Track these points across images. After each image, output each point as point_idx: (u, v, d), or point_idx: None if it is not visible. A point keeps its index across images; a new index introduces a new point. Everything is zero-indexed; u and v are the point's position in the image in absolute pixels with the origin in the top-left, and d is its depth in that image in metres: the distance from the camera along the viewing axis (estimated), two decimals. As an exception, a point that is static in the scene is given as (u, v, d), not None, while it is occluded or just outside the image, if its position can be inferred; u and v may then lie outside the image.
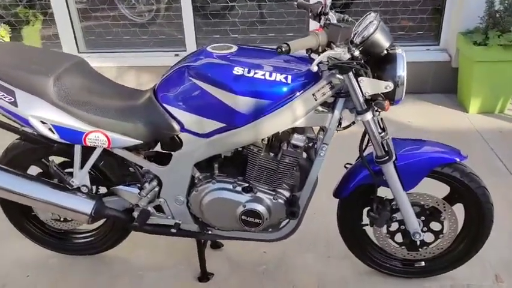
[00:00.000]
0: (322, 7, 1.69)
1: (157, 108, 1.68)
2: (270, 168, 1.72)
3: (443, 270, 1.98)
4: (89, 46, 4.03)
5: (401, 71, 1.56)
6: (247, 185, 1.76)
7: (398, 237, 1.91)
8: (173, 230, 1.86)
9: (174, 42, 3.92)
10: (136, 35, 4.03)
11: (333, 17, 1.68)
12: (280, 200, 1.76)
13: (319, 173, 1.74)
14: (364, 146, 1.73)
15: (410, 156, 1.72)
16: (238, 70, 1.57)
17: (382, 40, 1.52)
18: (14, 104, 1.67)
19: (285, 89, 1.57)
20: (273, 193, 1.76)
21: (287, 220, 1.84)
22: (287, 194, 1.78)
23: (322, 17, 1.68)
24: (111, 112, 1.69)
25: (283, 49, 1.31)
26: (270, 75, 1.57)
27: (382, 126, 1.76)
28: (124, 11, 4.23)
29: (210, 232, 1.89)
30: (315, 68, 1.41)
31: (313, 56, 1.57)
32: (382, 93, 1.58)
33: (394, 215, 1.83)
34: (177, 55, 3.84)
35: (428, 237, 1.88)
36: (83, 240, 2.13)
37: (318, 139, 1.71)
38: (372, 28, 1.52)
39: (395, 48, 1.60)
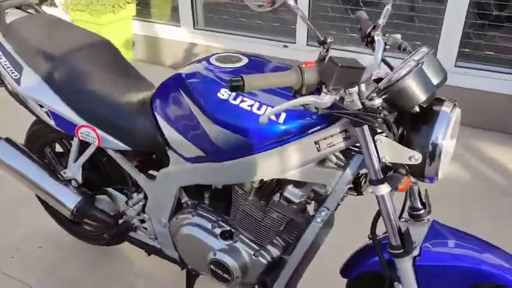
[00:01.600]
0: (375, 26, 1.25)
1: (149, 117, 1.45)
2: (255, 218, 1.37)
3: None
4: (206, 23, 3.95)
5: (440, 139, 1.06)
6: (228, 229, 1.44)
7: None
8: (151, 252, 1.65)
9: (285, 32, 3.61)
10: (253, 18, 3.82)
11: (379, 42, 1.22)
12: (261, 259, 1.40)
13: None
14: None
15: (442, 257, 1.20)
16: (224, 93, 1.25)
17: (415, 90, 1.04)
18: (18, 81, 1.60)
19: (273, 129, 1.20)
20: (256, 248, 1.41)
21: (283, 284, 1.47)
22: (275, 253, 1.42)
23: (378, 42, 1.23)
24: (106, 109, 1.52)
25: (233, 84, 0.94)
26: (259, 108, 1.20)
27: (422, 202, 1.28)
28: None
29: (190, 267, 1.63)
30: (263, 120, 1.01)
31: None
32: (407, 165, 1.11)
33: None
34: (285, 46, 3.54)
35: None
36: (93, 230, 2.05)
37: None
38: (405, 70, 1.04)
39: (442, 105, 1.10)
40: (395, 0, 3.21)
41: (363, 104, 1.06)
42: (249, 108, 1.21)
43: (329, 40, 1.06)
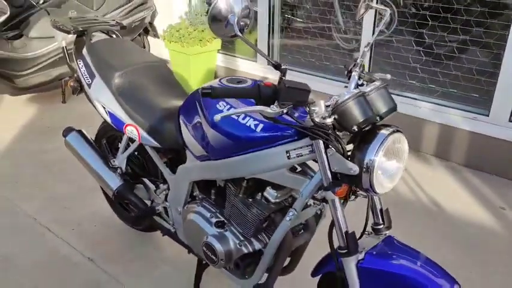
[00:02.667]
0: (354, 65, 1.52)
1: (175, 122, 1.82)
2: (241, 212, 1.65)
3: None
4: (280, 61, 4.33)
5: (373, 155, 1.28)
6: (222, 220, 1.74)
7: None
8: (167, 235, 1.99)
9: (333, 70, 3.87)
10: (322, 60, 4.14)
11: (354, 77, 1.48)
12: (243, 248, 1.67)
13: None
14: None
15: (382, 263, 1.38)
16: (220, 105, 1.57)
17: (355, 112, 1.28)
18: (89, 85, 2.08)
19: (252, 136, 1.49)
20: (241, 239, 1.68)
21: (259, 275, 1.71)
22: (256, 246, 1.67)
23: (352, 76, 1.51)
24: (147, 112, 1.92)
25: (204, 91, 1.26)
26: (244, 119, 1.51)
27: (383, 219, 1.48)
28: (338, 40, 4.38)
29: (195, 252, 1.94)
30: (217, 118, 1.29)
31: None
32: (350, 175, 1.33)
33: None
34: (346, 87, 3.78)
35: None
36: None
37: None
38: (347, 95, 1.29)
39: (383, 129, 1.31)
40: (455, 53, 3.33)
41: (313, 121, 1.31)
42: (235, 117, 1.52)
43: (283, 66, 1.33)
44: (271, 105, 1.28)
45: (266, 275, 1.70)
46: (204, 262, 2.02)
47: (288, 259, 1.79)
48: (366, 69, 1.53)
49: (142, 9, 4.45)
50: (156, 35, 4.84)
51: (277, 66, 1.32)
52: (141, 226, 2.42)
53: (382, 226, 1.50)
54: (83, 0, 4.11)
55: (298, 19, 4.56)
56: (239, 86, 1.28)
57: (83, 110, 2.32)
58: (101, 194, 2.58)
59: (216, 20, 1.29)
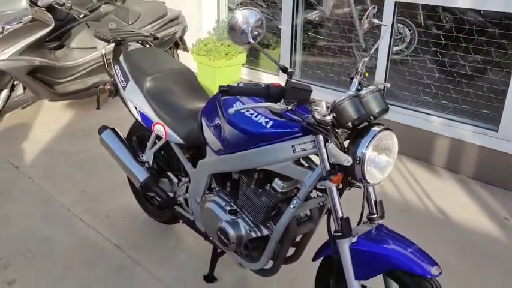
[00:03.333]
0: (356, 72, 1.72)
1: (198, 120, 2.06)
2: (252, 201, 1.86)
3: None
4: (302, 75, 4.58)
5: (364, 149, 1.48)
6: (235, 208, 1.95)
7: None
8: (186, 223, 2.21)
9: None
10: (341, 76, 4.34)
11: (354, 83, 1.69)
12: (253, 233, 1.87)
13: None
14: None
15: (372, 245, 1.56)
16: (237, 104, 1.80)
17: (350, 111, 1.49)
18: (124, 88, 2.35)
19: (263, 132, 1.71)
20: (251, 225, 1.88)
21: (265, 259, 1.91)
22: (264, 232, 1.87)
23: (353, 82, 1.71)
24: (173, 113, 2.17)
25: (221, 89, 1.49)
26: (256, 116, 1.73)
27: (377, 210, 1.67)
28: (359, 58, 4.60)
29: (211, 238, 2.15)
30: (231, 111, 1.51)
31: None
32: (345, 166, 1.53)
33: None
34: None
35: None
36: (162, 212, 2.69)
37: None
38: (343, 97, 1.50)
39: (374, 126, 1.51)
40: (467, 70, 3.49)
41: (314, 118, 1.53)
42: (249, 116, 1.74)
43: (290, 70, 1.55)
44: (278, 103, 1.50)
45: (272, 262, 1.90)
46: (219, 251, 2.24)
47: (293, 249, 1.98)
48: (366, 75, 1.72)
49: (174, 24, 4.77)
50: (185, 49, 5.15)
51: (284, 70, 1.54)
52: (163, 218, 2.65)
53: (375, 216, 1.68)
54: (120, 15, 4.45)
55: (320, 37, 4.81)
56: (252, 86, 1.50)
57: (115, 116, 2.58)
58: (129, 190, 2.83)
59: (233, 29, 1.53)
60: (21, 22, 3.78)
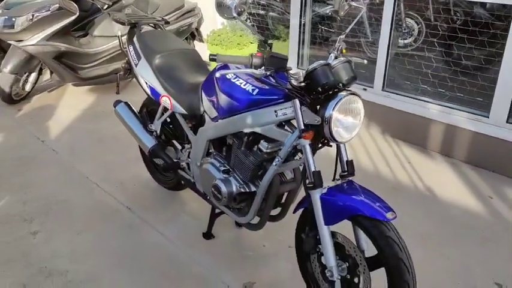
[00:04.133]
0: (333, 48, 1.96)
1: (198, 92, 2.33)
2: (242, 161, 2.12)
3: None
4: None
5: (331, 111, 1.72)
6: (228, 168, 2.21)
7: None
8: (188, 185, 2.50)
9: (365, 78, 4.26)
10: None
11: (331, 57, 1.92)
12: (242, 189, 2.13)
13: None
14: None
15: (339, 195, 1.80)
16: (230, 75, 2.07)
17: (320, 77, 1.73)
18: (136, 65, 2.64)
19: (250, 98, 1.97)
20: (241, 182, 2.15)
21: (253, 213, 2.16)
22: (252, 188, 2.14)
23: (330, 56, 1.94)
24: (178, 86, 2.45)
25: (210, 57, 1.76)
26: (244, 85, 2.00)
27: (348, 167, 1.90)
28: (366, 50, 4.82)
29: (208, 198, 2.42)
30: (218, 76, 1.78)
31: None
32: (316, 126, 1.78)
33: (320, 246, 1.91)
34: (365, 89, 4.18)
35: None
36: (166, 179, 2.99)
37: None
38: (315, 64, 1.75)
39: (341, 91, 1.76)
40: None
41: (291, 84, 1.78)
42: (239, 84, 2.01)
43: (269, 42, 1.79)
44: (259, 69, 1.76)
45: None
46: (216, 211, 2.51)
47: (279, 209, 2.24)
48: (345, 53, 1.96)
49: (190, 16, 5.07)
50: (201, 40, 5.45)
51: (265, 41, 1.79)
52: (170, 184, 2.94)
53: (346, 173, 1.92)
54: (140, 6, 4.77)
55: (329, 30, 5.02)
56: (238, 56, 1.76)
57: (133, 100, 2.86)
58: (141, 163, 3.13)
59: (220, 6, 1.79)
60: (49, 10, 4.13)
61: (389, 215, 1.69)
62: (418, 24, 5.33)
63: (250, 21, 5.26)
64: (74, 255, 2.43)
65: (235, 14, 1.79)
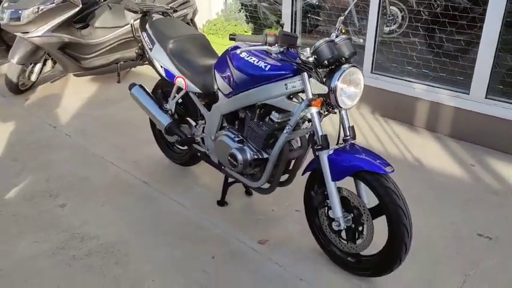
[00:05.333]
0: (334, 28, 2.24)
1: (211, 71, 2.59)
2: (255, 131, 2.39)
3: (369, 274, 2.19)
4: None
5: (336, 81, 2.00)
6: (241, 138, 2.48)
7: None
8: (202, 157, 2.77)
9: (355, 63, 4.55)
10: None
11: (332, 35, 2.20)
12: (255, 156, 2.41)
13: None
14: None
15: (344, 155, 2.09)
16: (243, 54, 2.33)
17: (325, 52, 2.00)
18: (151, 49, 2.89)
19: (263, 73, 2.24)
20: (255, 150, 2.42)
21: (265, 178, 2.44)
22: (264, 155, 2.41)
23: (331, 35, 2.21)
24: (192, 67, 2.71)
25: (230, 36, 2.02)
26: (257, 62, 2.26)
27: (350, 132, 2.18)
28: (354, 37, 5.10)
29: (223, 167, 2.69)
30: (239, 51, 2.05)
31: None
32: (324, 95, 2.06)
33: (327, 201, 2.20)
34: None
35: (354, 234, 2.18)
36: (179, 156, 3.25)
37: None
38: (321, 41, 2.02)
39: (344, 64, 2.04)
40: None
41: (301, 59, 2.05)
42: (252, 62, 2.27)
43: (281, 22, 2.06)
44: (273, 46, 2.03)
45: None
46: (229, 180, 2.78)
47: (287, 176, 2.51)
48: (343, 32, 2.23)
49: (185, 7, 5.28)
50: (196, 30, 5.67)
51: (277, 22, 2.06)
52: (182, 160, 3.20)
53: (349, 137, 2.20)
54: (138, -3, 4.98)
55: (319, 19, 5.30)
56: (254, 35, 2.03)
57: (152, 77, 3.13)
58: (152, 145, 3.39)
59: None
60: (53, 3, 4.31)
61: (388, 169, 1.99)
62: (401, 12, 5.64)
63: (244, 11, 5.51)
64: (101, 223, 2.68)
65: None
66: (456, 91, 3.88)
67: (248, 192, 2.94)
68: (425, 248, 2.50)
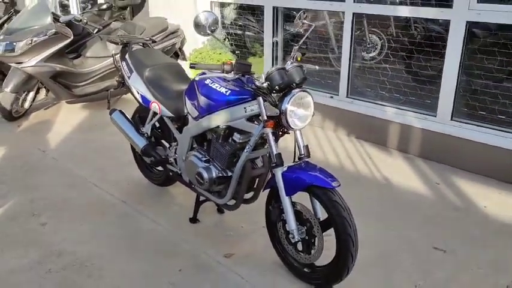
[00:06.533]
0: (290, 57, 2.46)
1: (182, 97, 2.80)
2: (219, 151, 2.59)
3: (322, 283, 2.34)
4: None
5: (286, 104, 2.21)
6: (208, 158, 2.68)
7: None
8: (175, 177, 2.95)
9: (331, 86, 4.78)
10: (308, 74, 5.07)
11: (287, 63, 2.41)
12: (220, 174, 2.60)
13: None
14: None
15: (297, 171, 2.28)
16: (208, 81, 2.55)
17: (276, 79, 2.22)
18: (129, 77, 3.11)
19: (224, 98, 2.45)
20: (220, 169, 2.61)
21: (229, 195, 2.61)
22: (229, 173, 2.59)
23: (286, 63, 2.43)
24: (165, 93, 2.92)
25: (191, 65, 2.24)
26: (219, 88, 2.48)
27: (304, 151, 2.37)
28: (333, 62, 5.35)
29: (193, 186, 2.87)
30: (196, 78, 2.26)
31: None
32: (276, 117, 2.26)
33: (283, 215, 2.37)
34: (331, 97, 4.70)
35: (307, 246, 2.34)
36: (156, 176, 3.44)
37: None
38: (273, 69, 2.24)
39: (294, 89, 2.24)
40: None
41: (255, 85, 2.26)
42: (215, 88, 2.49)
43: (237, 52, 2.28)
44: (229, 74, 2.25)
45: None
46: (201, 199, 2.96)
47: (252, 193, 2.69)
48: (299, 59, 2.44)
49: (174, 37, 5.56)
50: (184, 58, 5.94)
51: (233, 52, 2.28)
52: (160, 181, 3.39)
53: (303, 156, 2.39)
54: (128, 29, 5.25)
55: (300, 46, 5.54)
56: (212, 64, 2.24)
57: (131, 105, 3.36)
58: (133, 167, 3.58)
59: (197, 25, 2.28)
60: (46, 35, 4.59)
61: (334, 184, 2.17)
62: (380, 40, 5.90)
63: (229, 40, 5.79)
64: (79, 240, 2.84)
65: (208, 31, 2.28)
66: (424, 113, 4.08)
67: (220, 210, 3.11)
68: (381, 259, 2.65)
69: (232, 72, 2.25)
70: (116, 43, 3.27)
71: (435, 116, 3.99)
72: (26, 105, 4.95)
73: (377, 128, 4.31)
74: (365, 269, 2.51)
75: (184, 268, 2.57)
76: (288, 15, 5.29)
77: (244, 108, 2.39)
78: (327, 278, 2.32)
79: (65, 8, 8.13)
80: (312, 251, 2.34)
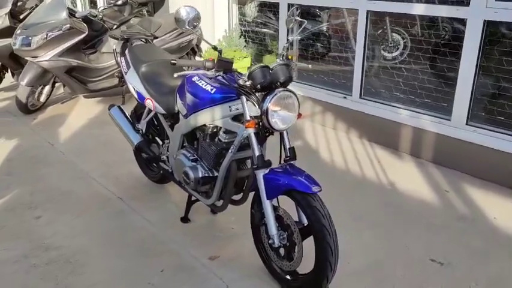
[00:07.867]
0: (280, 54, 2.37)
1: (174, 94, 2.76)
2: (206, 150, 2.52)
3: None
4: (299, 78, 5.20)
5: (268, 103, 2.11)
6: (195, 157, 2.62)
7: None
8: (166, 175, 2.91)
9: (345, 87, 4.64)
10: (322, 75, 4.93)
11: (277, 61, 2.32)
12: (206, 175, 2.53)
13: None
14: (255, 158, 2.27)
15: (278, 174, 2.18)
16: (195, 79, 2.49)
17: (258, 77, 2.13)
18: (126, 73, 3.09)
19: (209, 96, 2.38)
20: (206, 169, 2.54)
21: (215, 195, 2.55)
22: (215, 173, 2.53)
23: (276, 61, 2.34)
24: (159, 90, 2.88)
25: (171, 62, 2.18)
26: (205, 86, 2.41)
27: (290, 153, 2.28)
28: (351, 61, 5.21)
29: (183, 185, 2.82)
30: (175, 76, 2.19)
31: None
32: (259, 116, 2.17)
33: (265, 219, 2.28)
34: (345, 97, 4.55)
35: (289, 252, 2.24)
36: (154, 174, 3.41)
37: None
38: (256, 67, 2.15)
39: (277, 88, 2.15)
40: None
41: (238, 83, 2.18)
42: (201, 85, 2.42)
43: (219, 49, 2.20)
44: (210, 71, 2.18)
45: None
46: (192, 199, 2.91)
47: (241, 195, 2.60)
48: (294, 59, 2.35)
49: (190, 33, 5.53)
50: (201, 55, 5.91)
51: (215, 48, 2.21)
52: (157, 178, 3.36)
53: (289, 158, 2.29)
54: (144, 26, 5.27)
55: (319, 45, 5.42)
56: (194, 60, 2.18)
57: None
58: (136, 162, 3.56)
59: (178, 20, 2.22)
60: (61, 30, 4.66)
61: (314, 189, 2.06)
62: (403, 39, 5.68)
63: (245, 38, 5.72)
64: (69, 234, 2.85)
65: (188, 27, 2.21)
66: (438, 117, 3.88)
67: (213, 211, 3.05)
68: (371, 269, 2.52)
69: (213, 69, 2.18)
70: (116, 38, 3.26)
71: (449, 120, 3.79)
72: (42, 98, 5.05)
73: (389, 131, 4.14)
74: (352, 277, 2.40)
75: (166, 268, 2.53)
76: (307, 13, 5.18)
77: (229, 107, 2.32)
78: (308, 287, 2.21)
79: (93, 3, 8.28)
80: (294, 258, 2.24)
